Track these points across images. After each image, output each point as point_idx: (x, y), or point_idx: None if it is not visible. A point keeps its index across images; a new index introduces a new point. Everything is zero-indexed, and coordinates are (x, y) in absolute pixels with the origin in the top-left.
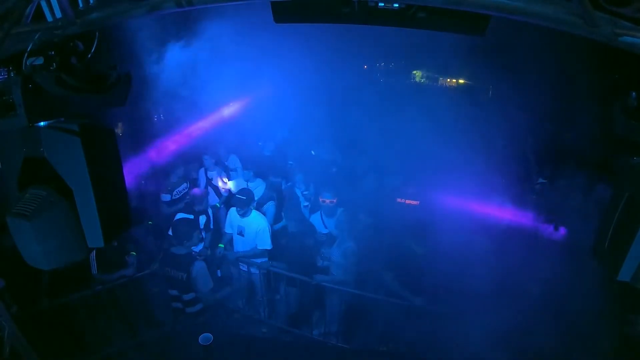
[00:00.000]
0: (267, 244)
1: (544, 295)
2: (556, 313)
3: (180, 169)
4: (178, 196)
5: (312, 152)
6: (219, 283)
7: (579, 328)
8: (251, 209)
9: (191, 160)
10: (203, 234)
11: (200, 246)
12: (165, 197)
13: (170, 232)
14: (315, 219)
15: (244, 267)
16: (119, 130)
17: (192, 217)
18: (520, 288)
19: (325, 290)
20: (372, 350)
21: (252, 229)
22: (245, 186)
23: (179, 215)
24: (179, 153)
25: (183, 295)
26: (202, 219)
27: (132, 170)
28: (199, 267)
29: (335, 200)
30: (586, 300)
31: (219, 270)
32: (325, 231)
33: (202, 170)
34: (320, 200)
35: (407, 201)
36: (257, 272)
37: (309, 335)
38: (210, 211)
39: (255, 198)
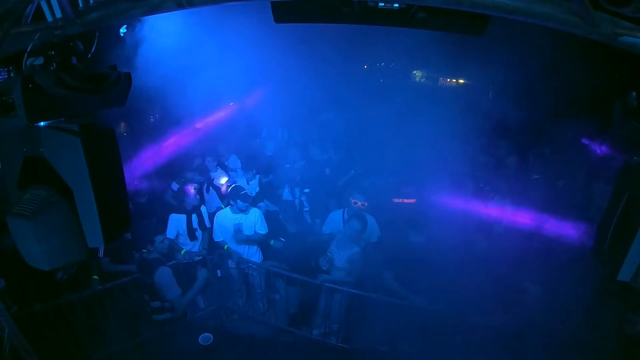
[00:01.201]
0: (265, 228)
1: (543, 295)
2: (556, 313)
3: (198, 177)
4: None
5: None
6: (187, 286)
7: (579, 328)
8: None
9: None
10: (199, 234)
11: (197, 246)
12: (175, 186)
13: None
14: (336, 217)
15: (243, 266)
16: (121, 130)
17: (184, 216)
18: (518, 287)
19: (325, 290)
20: (372, 350)
21: (251, 220)
22: (247, 185)
23: (172, 216)
24: (190, 155)
25: (151, 302)
26: (194, 219)
27: (135, 170)
28: (162, 273)
29: (366, 204)
30: (586, 300)
31: (219, 271)
32: (328, 231)
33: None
34: (352, 201)
35: (405, 200)
36: (257, 272)
37: (309, 335)
38: (204, 209)
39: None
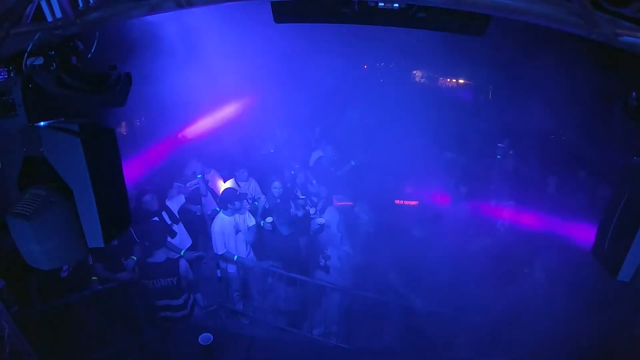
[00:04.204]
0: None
1: (544, 295)
2: (557, 313)
3: (193, 162)
4: (191, 188)
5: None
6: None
7: (579, 328)
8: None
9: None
10: (175, 227)
11: (177, 240)
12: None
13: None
14: (332, 214)
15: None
16: (122, 130)
17: (155, 218)
18: (520, 288)
19: (325, 290)
20: (372, 350)
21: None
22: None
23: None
24: (183, 154)
25: (173, 302)
26: (165, 216)
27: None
28: (184, 265)
29: (351, 203)
30: (587, 301)
31: (218, 271)
32: (318, 224)
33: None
34: (335, 202)
35: (406, 202)
36: (257, 272)
37: (309, 335)
38: (169, 203)
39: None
